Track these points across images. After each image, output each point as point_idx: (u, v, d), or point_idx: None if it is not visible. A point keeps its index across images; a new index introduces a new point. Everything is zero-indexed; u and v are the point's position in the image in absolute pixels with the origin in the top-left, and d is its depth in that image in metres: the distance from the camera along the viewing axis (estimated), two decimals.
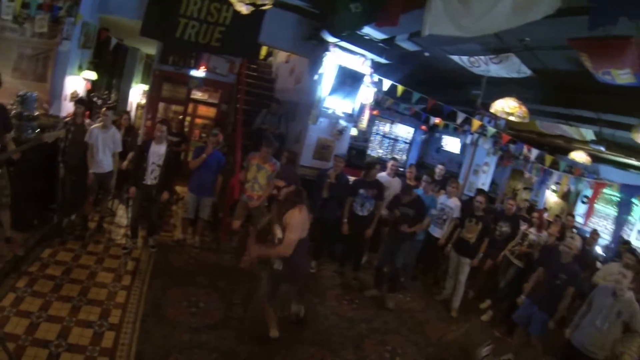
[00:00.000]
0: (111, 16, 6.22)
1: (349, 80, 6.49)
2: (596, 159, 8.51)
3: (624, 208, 3.69)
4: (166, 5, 5.81)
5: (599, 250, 7.30)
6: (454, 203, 6.20)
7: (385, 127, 13.88)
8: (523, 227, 6.09)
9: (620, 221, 3.72)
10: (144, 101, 10.71)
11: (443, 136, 13.47)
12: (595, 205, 4.79)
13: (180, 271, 5.00)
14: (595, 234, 6.90)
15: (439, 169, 7.31)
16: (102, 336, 3.56)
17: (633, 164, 8.45)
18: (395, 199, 5.51)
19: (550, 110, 7.27)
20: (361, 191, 5.70)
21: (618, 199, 8.12)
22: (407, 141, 14.27)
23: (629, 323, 3.80)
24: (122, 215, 6.14)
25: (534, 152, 7.27)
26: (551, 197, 11.79)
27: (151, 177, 5.04)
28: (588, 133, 8.07)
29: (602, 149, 7.58)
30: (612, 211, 10.13)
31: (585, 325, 4.00)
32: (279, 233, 3.60)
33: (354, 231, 5.75)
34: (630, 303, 3.81)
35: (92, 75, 6.55)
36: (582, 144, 8.13)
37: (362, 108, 6.91)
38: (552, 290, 4.46)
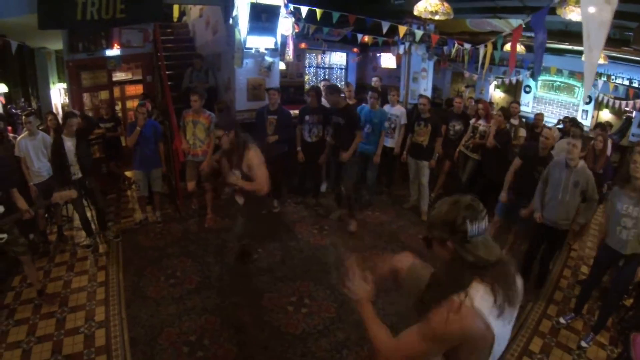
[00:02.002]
0: (2, 20, 5.66)
1: (264, 15, 6.21)
2: (531, 48, 8.56)
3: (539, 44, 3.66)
4: None
5: None
6: (398, 110, 6.26)
7: (317, 59, 13.68)
8: (472, 121, 6.22)
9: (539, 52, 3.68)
10: (67, 100, 10.12)
11: (377, 54, 13.38)
12: (516, 50, 4.82)
13: (150, 250, 4.99)
14: (539, 115, 7.11)
15: (374, 80, 7.29)
16: (94, 337, 3.58)
17: (567, 49, 8.59)
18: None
19: (475, 6, 7.18)
20: (307, 117, 5.73)
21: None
22: (342, 67, 14.16)
23: (585, 191, 3.92)
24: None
25: (467, 45, 7.27)
26: (496, 93, 11.98)
27: (76, 170, 4.91)
28: (517, 23, 8.01)
29: (533, 35, 7.60)
30: (555, 96, 10.48)
31: (548, 202, 4.13)
32: (236, 180, 3.63)
33: (306, 158, 5.81)
34: (584, 170, 3.93)
35: (3, 88, 6.11)
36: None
37: (284, 40, 6.74)
38: (532, 183, 4.48)
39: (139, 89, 8.79)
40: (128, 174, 7.04)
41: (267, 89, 5.99)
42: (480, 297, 1.33)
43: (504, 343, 1.46)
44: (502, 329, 1.38)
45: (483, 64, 5.67)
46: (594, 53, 1.85)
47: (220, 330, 3.61)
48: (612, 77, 9.14)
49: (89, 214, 5.17)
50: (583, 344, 3.69)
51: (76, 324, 3.74)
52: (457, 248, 1.43)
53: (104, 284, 4.34)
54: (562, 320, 4.00)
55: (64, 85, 10.29)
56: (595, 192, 3.93)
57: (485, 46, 5.34)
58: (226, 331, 3.60)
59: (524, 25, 7.45)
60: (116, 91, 8.71)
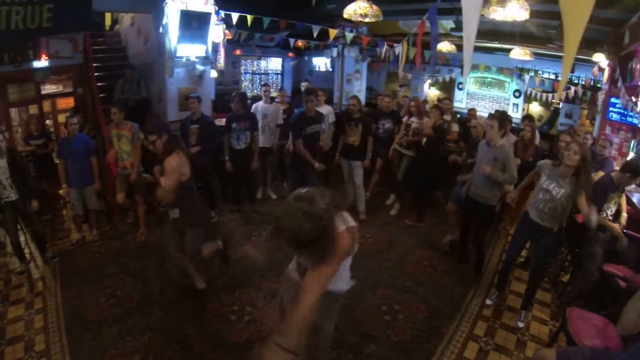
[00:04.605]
0: None
1: (195, 23, 6.17)
2: (461, 48, 8.92)
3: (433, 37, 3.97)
4: None
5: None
6: (325, 109, 6.50)
7: (253, 65, 13.87)
8: (404, 118, 6.42)
9: None
10: None
11: (312, 58, 13.71)
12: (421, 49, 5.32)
13: (88, 270, 4.88)
14: (472, 110, 7.55)
15: (304, 85, 7.47)
16: None
17: (496, 47, 9.18)
18: (298, 123, 5.32)
19: (406, 8, 7.48)
20: (234, 125, 5.76)
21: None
22: (278, 72, 14.52)
23: (505, 166, 4.25)
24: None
25: (398, 47, 7.55)
26: (431, 91, 12.45)
27: (10, 193, 4.68)
28: (449, 23, 8.42)
29: (462, 35, 7.97)
30: (487, 92, 11.06)
31: (474, 178, 4.53)
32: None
33: (237, 166, 5.85)
34: (502, 147, 4.30)
35: None
36: (446, 36, 8.51)
37: (216, 47, 6.71)
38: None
39: (70, 101, 8.47)
40: (62, 192, 6.80)
41: (186, 98, 5.81)
42: None
43: None
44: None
45: (404, 61, 5.96)
46: (470, 39, 1.96)
47: (165, 347, 3.61)
48: (539, 72, 9.90)
49: (22, 238, 4.98)
50: (519, 324, 3.98)
51: (15, 356, 3.60)
52: None
53: (42, 310, 4.20)
54: (488, 301, 4.30)
55: None
56: (514, 169, 4.26)
57: (402, 45, 5.64)
58: (171, 347, 3.61)
59: (454, 26, 7.89)
60: (46, 105, 8.36)
